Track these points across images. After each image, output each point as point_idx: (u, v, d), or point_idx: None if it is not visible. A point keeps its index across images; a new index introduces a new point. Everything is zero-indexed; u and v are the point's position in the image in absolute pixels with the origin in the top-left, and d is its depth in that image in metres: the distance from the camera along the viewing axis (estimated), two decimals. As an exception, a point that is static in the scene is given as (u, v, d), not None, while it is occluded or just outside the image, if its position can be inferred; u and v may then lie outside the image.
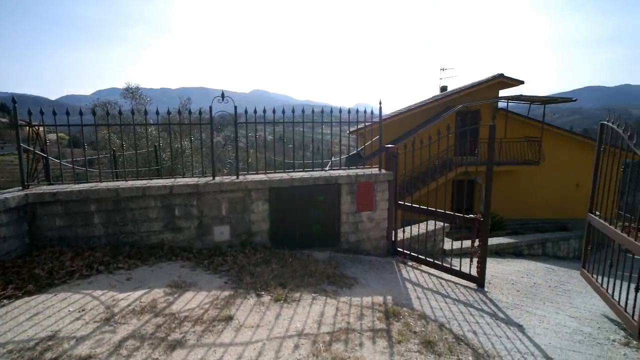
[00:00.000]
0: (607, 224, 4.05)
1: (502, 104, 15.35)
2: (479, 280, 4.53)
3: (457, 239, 8.81)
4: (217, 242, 4.76)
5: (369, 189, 5.22)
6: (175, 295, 3.40)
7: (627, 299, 3.54)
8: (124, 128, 13.03)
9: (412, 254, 5.30)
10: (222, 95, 4.77)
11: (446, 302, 3.88)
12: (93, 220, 4.28)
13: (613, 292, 3.88)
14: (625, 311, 3.58)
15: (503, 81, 14.70)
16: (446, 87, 20.04)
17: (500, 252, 8.05)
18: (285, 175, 5.13)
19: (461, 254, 5.09)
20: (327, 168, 5.77)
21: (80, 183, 4.58)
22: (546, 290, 5.11)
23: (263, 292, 3.60)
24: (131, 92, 21.81)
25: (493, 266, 6.43)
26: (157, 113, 4.79)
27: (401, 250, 5.46)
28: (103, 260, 3.97)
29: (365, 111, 5.34)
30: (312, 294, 3.69)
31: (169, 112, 4.88)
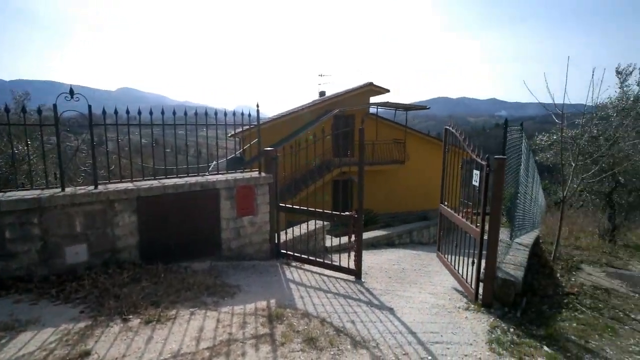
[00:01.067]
0: (452, 211, 4.79)
1: (373, 110, 17.03)
2: (357, 273, 4.86)
3: (336, 236, 9.35)
4: (71, 265, 4.02)
5: (249, 193, 5.12)
6: (3, 342, 2.72)
7: (466, 272, 4.26)
8: None
9: (296, 254, 5.39)
10: (71, 92, 4.06)
11: (327, 297, 4.04)
12: None
13: (457, 268, 4.62)
14: (466, 282, 4.30)
15: (373, 89, 16.31)
16: (324, 92, 21.25)
17: (376, 244, 8.86)
18: (156, 183, 4.65)
19: (340, 249, 5.41)
20: (207, 173, 5.45)
21: None
22: (412, 274, 5.79)
23: (131, 316, 3.17)
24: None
25: (369, 258, 7.01)
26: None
27: (285, 251, 5.50)
28: None
29: (243, 113, 5.22)
30: (190, 309, 3.41)
31: (-6, 110, 3.93)
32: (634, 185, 9.09)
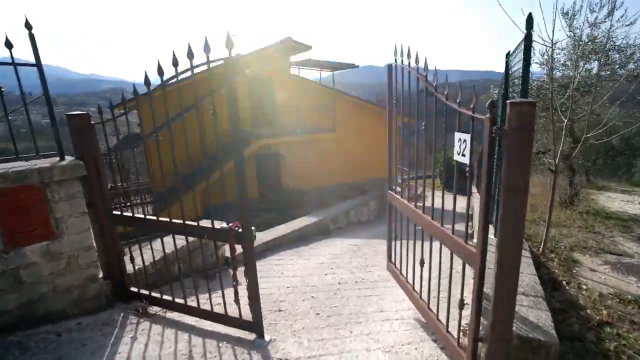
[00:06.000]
0: (415, 208, 2.80)
1: (295, 72, 14.57)
2: (255, 327, 2.72)
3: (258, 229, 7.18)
4: None
5: (31, 199, 2.60)
6: None
7: (446, 313, 2.32)
8: None
9: (154, 295, 3.08)
10: None
11: None
12: None
13: (426, 296, 2.69)
14: (448, 334, 2.40)
15: (292, 45, 13.78)
16: (239, 54, 18.16)
17: (305, 237, 6.82)
18: None
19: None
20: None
21: None
22: (354, 294, 3.82)
23: None
24: None
25: (292, 265, 4.94)
26: None
27: (136, 290, 3.17)
28: None
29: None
30: None
31: None
32: (596, 145, 8.16)
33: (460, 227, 2.57)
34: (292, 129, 13.49)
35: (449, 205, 2.44)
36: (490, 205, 1.98)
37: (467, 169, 2.06)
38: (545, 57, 7.75)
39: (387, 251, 3.55)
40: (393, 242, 3.41)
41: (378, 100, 20.71)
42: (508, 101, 1.70)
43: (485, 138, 1.86)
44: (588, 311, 3.06)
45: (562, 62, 8.81)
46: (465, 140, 2.07)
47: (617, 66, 8.40)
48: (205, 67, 2.38)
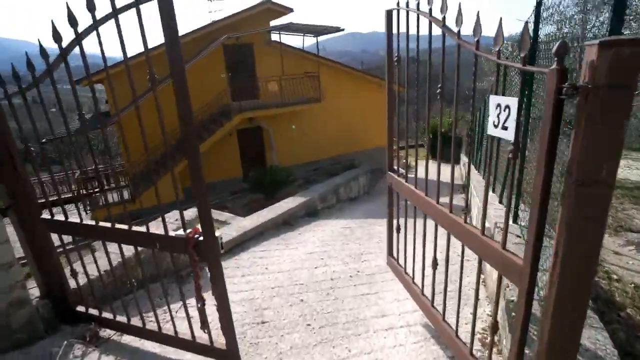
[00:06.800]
0: (425, 196, 2.20)
1: (276, 38, 13.47)
2: (230, 357, 2.15)
3: (250, 208, 6.64)
4: None
5: None
6: None
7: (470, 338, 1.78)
8: None
9: (105, 317, 2.48)
10: None
11: None
12: None
13: (442, 311, 2.15)
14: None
15: (272, 8, 12.66)
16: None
17: (291, 220, 6.24)
18: None
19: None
20: None
21: None
22: (349, 294, 3.28)
23: None
24: None
25: (278, 257, 4.37)
26: None
27: (84, 310, 2.55)
28: None
29: None
30: None
31: None
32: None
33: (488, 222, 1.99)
34: (275, 100, 12.61)
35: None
36: (547, 200, 1.39)
37: (509, 148, 1.45)
38: None
39: (388, 244, 2.98)
40: (395, 234, 2.84)
41: (364, 69, 19.75)
42: (594, 41, 1.06)
43: (547, 102, 1.23)
44: (629, 311, 2.58)
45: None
46: (507, 107, 1.44)
47: None
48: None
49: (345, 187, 9.11)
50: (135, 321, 2.41)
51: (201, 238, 1.86)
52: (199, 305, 1.98)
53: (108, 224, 2.13)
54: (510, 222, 2.67)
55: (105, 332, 2.55)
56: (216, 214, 6.81)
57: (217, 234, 1.86)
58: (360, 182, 10.45)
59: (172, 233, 1.96)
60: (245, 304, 3.10)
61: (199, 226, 1.87)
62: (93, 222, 2.18)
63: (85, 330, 2.52)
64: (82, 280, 2.56)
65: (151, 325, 2.37)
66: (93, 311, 2.55)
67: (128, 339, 2.50)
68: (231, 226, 5.34)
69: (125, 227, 2.10)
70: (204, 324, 2.06)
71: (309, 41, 14.51)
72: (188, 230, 1.88)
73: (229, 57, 12.29)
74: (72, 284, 2.58)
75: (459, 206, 2.21)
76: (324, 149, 14.77)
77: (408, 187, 2.40)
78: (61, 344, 2.40)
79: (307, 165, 14.08)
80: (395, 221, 2.78)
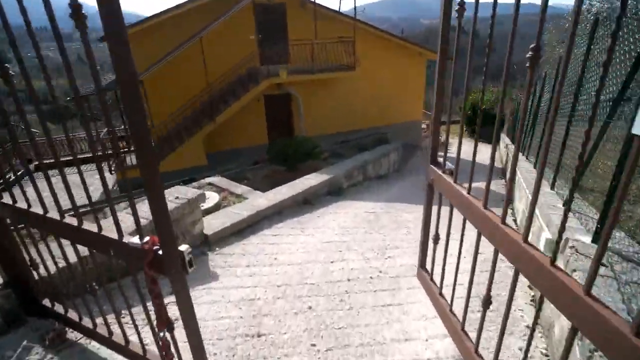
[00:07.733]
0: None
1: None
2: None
3: (254, 186, 6.23)
4: None
5: None
6: None
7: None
8: None
9: (70, 317, 2.08)
10: None
11: None
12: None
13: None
14: None
15: (308, -37, 11.56)
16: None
17: (312, 199, 5.71)
18: None
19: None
20: None
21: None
22: (367, 304, 2.74)
23: None
24: None
25: (290, 245, 3.88)
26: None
27: (50, 306, 2.17)
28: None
29: None
30: None
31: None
32: None
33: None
34: (306, 66, 11.81)
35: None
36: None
37: None
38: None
39: (420, 254, 2.38)
40: (431, 244, 2.22)
41: (405, 37, 18.24)
42: None
43: None
44: None
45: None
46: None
47: None
48: None
49: (374, 163, 8.43)
50: (88, 322, 1.99)
51: (157, 247, 1.34)
52: (161, 335, 1.49)
53: (57, 217, 1.65)
54: (586, 238, 1.98)
55: (73, 334, 2.17)
56: (233, 187, 6.41)
57: (183, 247, 1.33)
58: (391, 159, 9.70)
59: (128, 238, 1.45)
60: (243, 306, 2.64)
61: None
62: (41, 212, 1.71)
63: (48, 330, 2.14)
64: (44, 273, 2.15)
65: (105, 329, 1.94)
66: (59, 308, 2.16)
67: (97, 344, 2.10)
68: (245, 203, 4.88)
69: (73, 222, 1.61)
70: (161, 344, 1.57)
71: (346, 5, 13.35)
72: (145, 239, 1.36)
73: (259, 17, 11.48)
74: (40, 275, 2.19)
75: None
76: (353, 121, 13.93)
77: (457, 191, 1.75)
78: (18, 345, 2.04)
79: (335, 137, 13.35)
80: (433, 228, 2.16)
